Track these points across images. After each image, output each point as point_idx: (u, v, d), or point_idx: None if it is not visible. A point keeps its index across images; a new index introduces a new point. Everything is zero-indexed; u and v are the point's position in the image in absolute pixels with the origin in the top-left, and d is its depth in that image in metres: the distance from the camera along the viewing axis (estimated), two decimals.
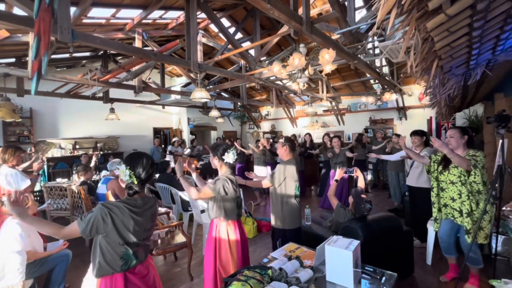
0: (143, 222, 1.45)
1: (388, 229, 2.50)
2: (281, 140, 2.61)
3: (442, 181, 2.53)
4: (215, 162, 2.13)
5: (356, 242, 1.56)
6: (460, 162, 2.22)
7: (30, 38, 3.24)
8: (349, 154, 4.96)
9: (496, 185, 2.26)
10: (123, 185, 1.44)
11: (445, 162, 2.50)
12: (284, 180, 2.42)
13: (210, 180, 2.12)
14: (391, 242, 2.49)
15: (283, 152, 2.57)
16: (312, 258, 1.76)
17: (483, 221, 2.26)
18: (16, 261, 2.04)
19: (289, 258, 1.74)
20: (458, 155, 2.24)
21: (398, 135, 5.51)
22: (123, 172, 1.37)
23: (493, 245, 3.08)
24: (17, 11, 2.70)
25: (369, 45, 3.84)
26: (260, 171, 5.78)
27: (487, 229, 2.31)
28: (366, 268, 1.62)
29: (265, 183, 2.52)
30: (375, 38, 3.37)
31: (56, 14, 1.97)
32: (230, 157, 2.05)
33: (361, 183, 3.04)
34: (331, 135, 5.84)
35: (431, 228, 2.91)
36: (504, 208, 3.00)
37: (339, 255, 1.49)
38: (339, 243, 1.56)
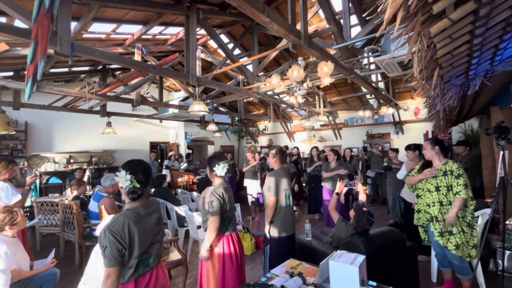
0: (149, 229, 1.41)
1: (391, 244, 2.41)
2: (273, 152, 2.68)
3: (419, 188, 2.57)
4: (210, 174, 2.18)
5: (361, 257, 1.48)
6: (460, 208, 2.27)
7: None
8: (341, 172, 4.66)
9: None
10: (123, 192, 1.38)
11: (423, 170, 2.55)
12: (279, 189, 2.49)
13: (205, 205, 2.07)
14: (395, 258, 2.39)
15: (273, 162, 2.66)
16: (315, 275, 1.67)
17: (466, 237, 2.30)
18: None
19: (291, 275, 1.65)
20: (453, 215, 2.26)
21: (394, 150, 5.50)
22: (123, 178, 1.33)
23: (499, 261, 3.00)
24: (18, 23, 2.73)
25: (365, 61, 3.92)
26: (251, 184, 5.69)
27: (469, 248, 2.32)
28: (370, 284, 1.53)
29: (271, 200, 2.45)
30: (370, 54, 3.45)
31: (56, 22, 1.98)
32: (219, 169, 2.08)
33: (362, 197, 2.98)
34: (320, 149, 5.74)
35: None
36: (508, 222, 2.94)
37: (345, 271, 1.41)
38: (344, 258, 1.48)
